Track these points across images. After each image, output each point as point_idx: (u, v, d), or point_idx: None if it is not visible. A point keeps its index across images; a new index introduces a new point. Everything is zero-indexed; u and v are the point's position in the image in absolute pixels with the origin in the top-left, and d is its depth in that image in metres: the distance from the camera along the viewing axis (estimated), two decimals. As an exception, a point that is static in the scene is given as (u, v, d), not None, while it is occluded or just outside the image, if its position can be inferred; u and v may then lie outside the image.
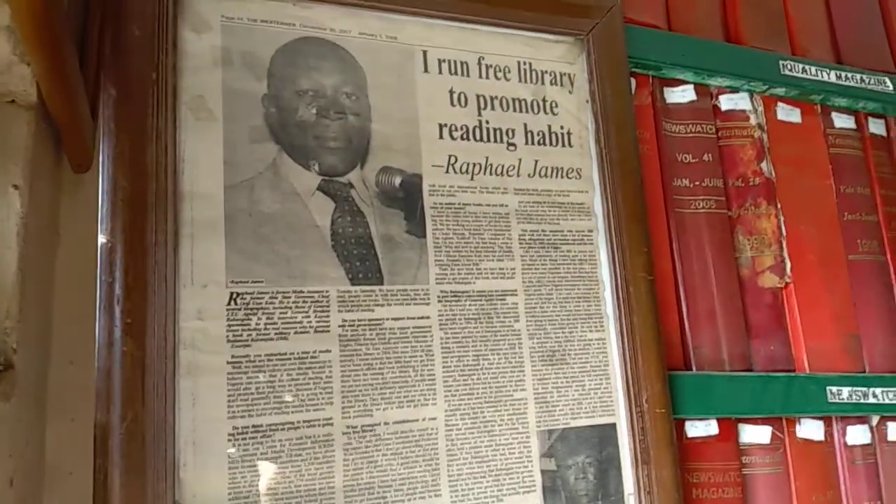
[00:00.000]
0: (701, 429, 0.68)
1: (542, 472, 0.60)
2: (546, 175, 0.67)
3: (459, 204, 0.63)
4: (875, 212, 0.84)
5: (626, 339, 0.64)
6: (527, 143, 0.67)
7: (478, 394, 0.59)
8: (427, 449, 0.56)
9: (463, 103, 0.66)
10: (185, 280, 0.52)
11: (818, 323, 0.77)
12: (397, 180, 0.61)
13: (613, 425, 0.63)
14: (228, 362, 0.52)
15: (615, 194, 0.68)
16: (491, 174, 0.65)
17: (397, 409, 0.56)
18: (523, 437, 0.60)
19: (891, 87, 0.87)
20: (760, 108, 0.81)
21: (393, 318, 0.57)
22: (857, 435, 0.76)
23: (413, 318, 0.58)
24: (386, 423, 0.56)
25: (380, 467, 0.55)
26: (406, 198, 0.61)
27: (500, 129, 0.66)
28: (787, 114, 0.83)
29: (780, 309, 0.76)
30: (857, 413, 0.75)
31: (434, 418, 0.57)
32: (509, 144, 0.66)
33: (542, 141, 0.68)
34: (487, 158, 0.65)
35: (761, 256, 0.77)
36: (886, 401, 0.76)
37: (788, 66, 0.81)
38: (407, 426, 0.56)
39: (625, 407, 0.63)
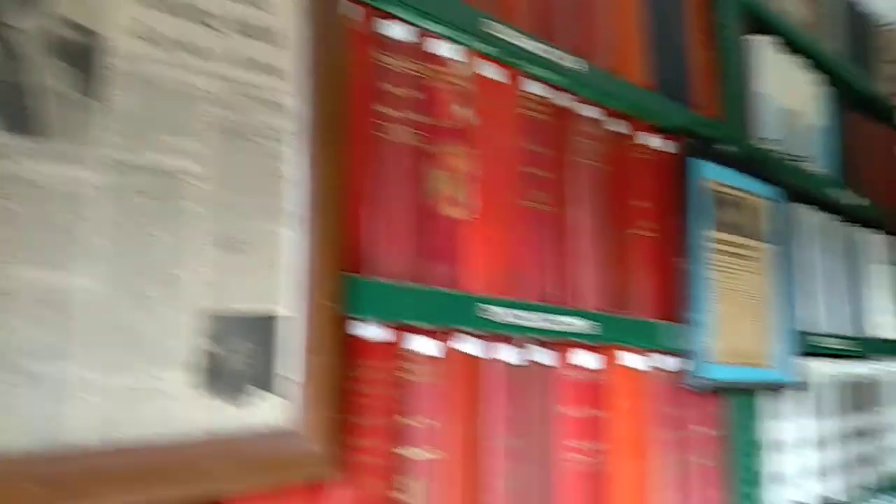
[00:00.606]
0: (369, 331, 0.74)
1: (206, 353, 0.60)
2: (250, 68, 0.67)
3: (147, 74, 0.60)
4: (547, 169, 0.97)
5: (307, 237, 0.67)
6: (235, 31, 0.67)
7: (140, 270, 0.58)
8: (73, 318, 0.54)
9: (167, -23, 0.63)
10: None
11: (489, 254, 0.87)
12: (75, 35, 0.57)
13: (284, 316, 0.66)
14: None
15: (318, 102, 0.71)
16: (188, 52, 0.63)
17: (41, 273, 0.53)
18: (188, 319, 0.60)
19: (578, 67, 1.01)
20: (467, 60, 0.89)
21: (48, 177, 0.54)
22: (508, 354, 0.88)
23: (72, 181, 0.55)
24: (26, 287, 0.52)
25: (14, 331, 0.51)
26: (84, 55, 0.57)
27: (206, 11, 0.65)
28: (489, 70, 0.92)
29: (459, 238, 0.85)
30: (510, 333, 0.87)
31: (86, 288, 0.55)
32: (214, 29, 0.65)
33: (251, 34, 0.68)
34: (187, 36, 0.63)
35: (450, 191, 0.85)
36: (534, 325, 0.89)
37: (492, 27, 0.90)
38: (51, 292, 0.53)
39: (297, 299, 0.66)
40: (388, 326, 0.76)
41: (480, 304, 0.83)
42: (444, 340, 0.82)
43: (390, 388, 0.76)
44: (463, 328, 0.82)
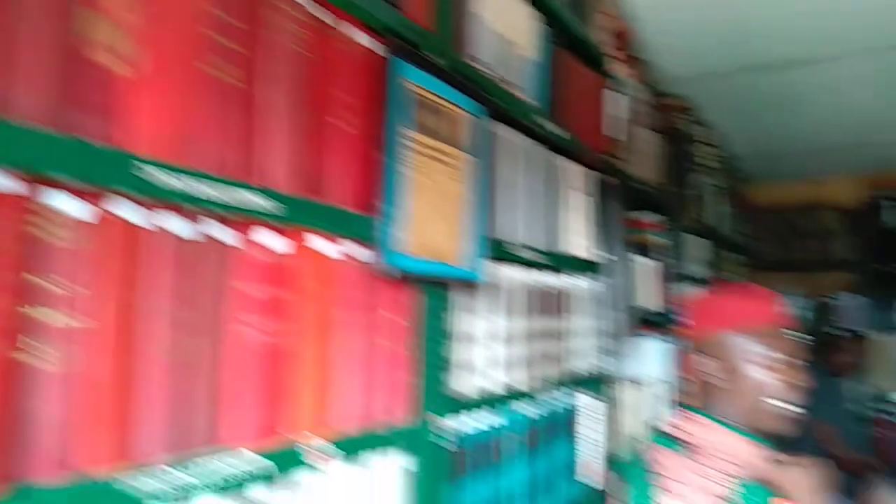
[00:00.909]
0: (-15, 174, 0.66)
1: None
2: None
3: None
4: (237, 41, 0.93)
5: None
6: None
7: None
8: None
9: None
10: None
11: (156, 115, 0.82)
12: None
13: None
14: None
15: None
16: None
17: None
18: None
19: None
20: None
21: None
22: (178, 225, 0.84)
23: None
24: None
25: None
26: None
27: None
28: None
29: (117, 92, 0.78)
30: (179, 202, 0.83)
31: None
32: None
33: None
34: None
35: (109, 40, 0.78)
36: (209, 197, 0.86)
37: None
38: None
39: None
40: (18, 176, 0.69)
41: (138, 164, 0.78)
42: (95, 203, 0.76)
43: (17, 243, 0.69)
44: (118, 190, 0.77)
